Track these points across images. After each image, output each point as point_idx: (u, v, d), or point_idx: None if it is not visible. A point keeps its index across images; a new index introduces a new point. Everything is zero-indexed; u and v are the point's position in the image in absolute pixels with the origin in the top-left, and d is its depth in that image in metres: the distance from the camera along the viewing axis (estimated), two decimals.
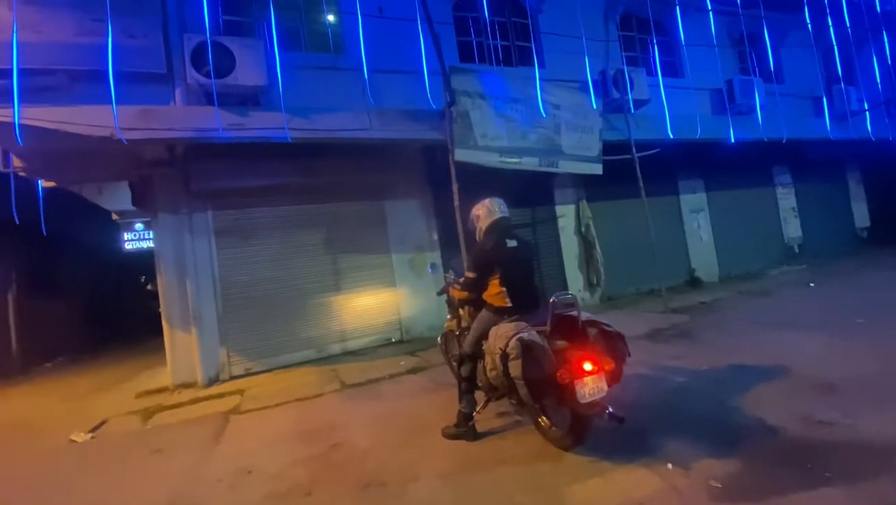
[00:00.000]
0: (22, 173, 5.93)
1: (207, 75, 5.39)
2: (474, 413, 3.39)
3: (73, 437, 4.56)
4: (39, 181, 6.81)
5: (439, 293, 4.37)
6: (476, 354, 3.45)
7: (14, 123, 4.63)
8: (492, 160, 6.36)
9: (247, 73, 5.58)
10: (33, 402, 7.43)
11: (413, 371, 5.60)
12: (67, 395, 7.35)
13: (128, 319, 16.49)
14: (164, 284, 6.42)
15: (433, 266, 4.60)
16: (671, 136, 8.45)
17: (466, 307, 3.89)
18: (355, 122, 6.07)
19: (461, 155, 6.10)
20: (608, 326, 2.96)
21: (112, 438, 4.65)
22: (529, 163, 6.70)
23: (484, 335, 3.34)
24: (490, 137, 6.41)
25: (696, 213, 10.43)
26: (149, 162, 6.20)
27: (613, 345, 2.86)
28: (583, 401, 2.63)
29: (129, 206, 7.79)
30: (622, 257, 9.17)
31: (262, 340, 6.70)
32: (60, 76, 5.21)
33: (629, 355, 2.94)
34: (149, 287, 18.39)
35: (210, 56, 5.31)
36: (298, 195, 6.93)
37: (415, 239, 7.76)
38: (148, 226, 10.14)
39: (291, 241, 6.99)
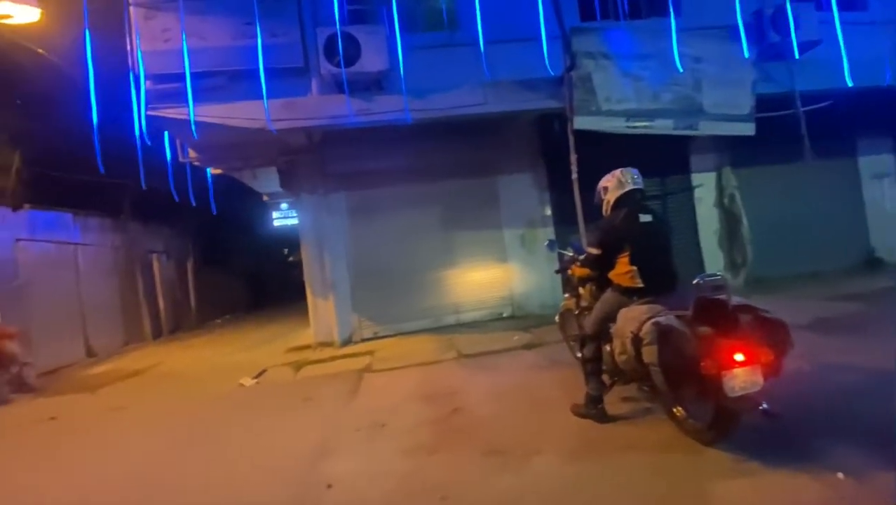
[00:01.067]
0: (196, 163, 7.17)
1: (337, 65, 5.82)
2: (603, 395, 3.27)
3: (241, 381, 5.53)
4: (208, 169, 8.17)
5: (558, 271, 4.24)
6: (599, 335, 3.31)
7: (190, 120, 5.56)
8: (617, 126, 5.88)
9: (371, 60, 5.89)
10: (210, 350, 9.18)
11: (527, 347, 5.60)
12: (235, 347, 8.92)
13: (275, 286, 19.28)
14: (307, 257, 7.31)
15: (551, 243, 4.45)
16: (849, 85, 6.86)
17: (588, 286, 3.73)
18: (470, 97, 6.08)
19: (582, 122, 5.74)
20: (766, 312, 2.58)
21: (271, 384, 5.53)
22: (662, 126, 6.04)
23: (610, 317, 3.17)
24: (615, 101, 5.91)
25: (880, 178, 8.44)
26: (293, 149, 7.00)
27: (773, 334, 2.48)
28: (731, 395, 2.36)
29: (276, 189, 8.97)
30: (776, 233, 7.86)
31: (386, 308, 7.29)
32: (221, 77, 6.08)
33: (792, 347, 2.54)
34: (290, 259, 21.24)
35: (340, 46, 5.71)
36: (416, 176, 7.25)
37: (526, 214, 7.63)
38: (291, 206, 11.55)
39: (413, 218, 7.38)
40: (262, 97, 5.72)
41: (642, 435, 3.02)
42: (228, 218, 16.56)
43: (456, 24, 6.85)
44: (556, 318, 4.61)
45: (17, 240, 8.05)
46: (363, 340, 7.14)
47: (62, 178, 9.34)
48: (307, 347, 7.34)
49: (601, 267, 3.26)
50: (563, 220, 7.48)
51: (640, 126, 5.97)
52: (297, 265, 8.94)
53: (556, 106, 6.06)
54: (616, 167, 3.44)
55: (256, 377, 5.80)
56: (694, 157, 8.01)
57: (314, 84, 6.35)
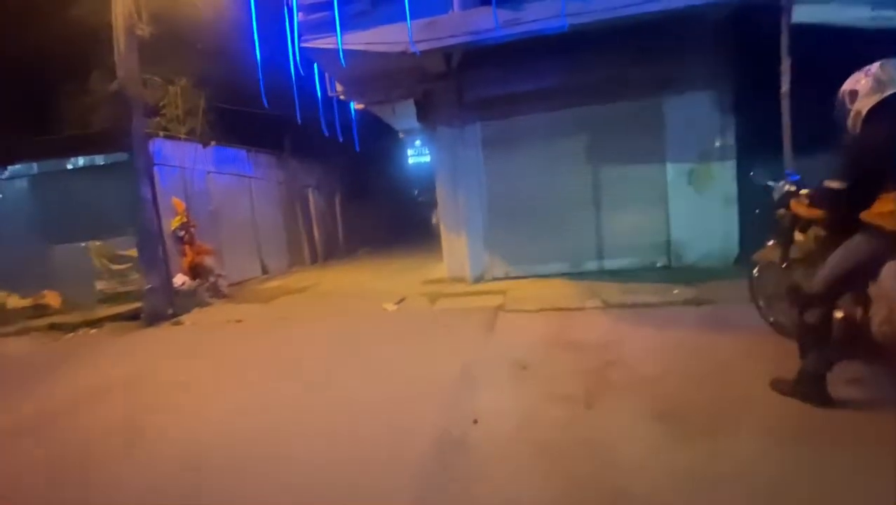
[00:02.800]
0: (342, 97, 7.35)
1: None
2: (826, 373, 2.48)
3: (385, 305, 5.81)
4: (352, 105, 8.41)
5: (776, 207, 3.27)
6: (831, 296, 2.45)
7: (338, 49, 5.56)
8: (858, 17, 4.22)
9: None
10: (356, 276, 10.02)
11: (692, 303, 4.73)
12: (377, 275, 9.58)
13: (409, 221, 20.32)
14: (441, 192, 7.20)
15: (756, 173, 3.45)
16: None
17: (811, 230, 2.78)
18: None
19: (804, 13, 4.25)
20: None
21: (411, 311, 5.71)
22: None
23: (856, 272, 2.30)
24: None
25: None
26: (430, 76, 6.71)
27: None
28: None
29: (413, 125, 8.94)
30: None
31: (521, 248, 6.90)
32: (364, 2, 5.90)
33: None
34: (420, 198, 22.12)
35: None
36: (565, 98, 6.39)
37: (700, 144, 6.27)
38: (425, 142, 11.58)
39: (554, 149, 6.65)
40: (404, 20, 5.43)
41: (880, 430, 2.20)
42: (370, 155, 17.56)
43: None
44: (754, 271, 3.68)
45: (208, 172, 9.51)
46: (494, 279, 6.95)
47: (238, 117, 10.67)
48: (440, 280, 7.45)
49: (852, 205, 2.33)
50: (753, 150, 5.97)
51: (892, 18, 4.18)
52: (427, 204, 9.02)
53: None
54: (844, 77, 2.36)
55: (398, 303, 6.05)
56: None
57: (456, 0, 5.81)
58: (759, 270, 3.66)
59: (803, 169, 3.48)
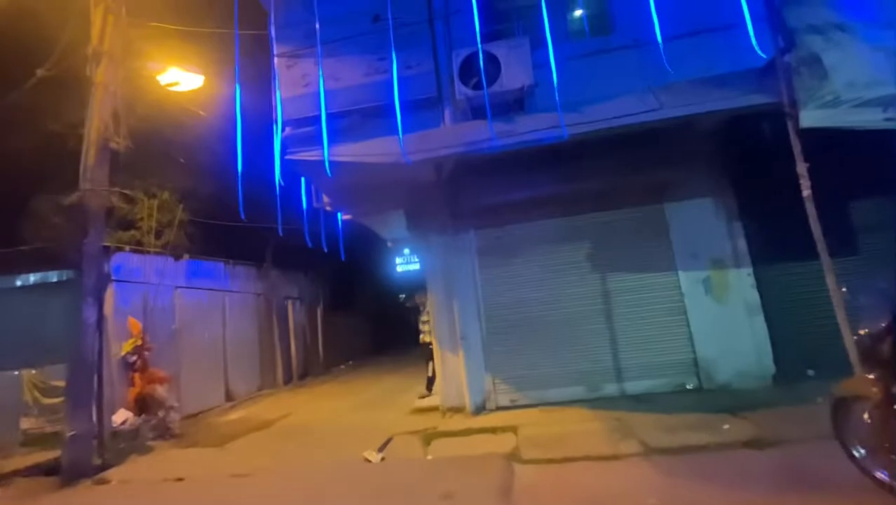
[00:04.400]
0: (328, 208, 6.96)
1: (474, 87, 5.12)
2: None
3: (366, 455, 4.65)
4: (339, 216, 8.04)
5: (861, 334, 2.60)
6: None
7: (324, 159, 5.23)
8: (871, 119, 4.06)
9: (512, 76, 5.07)
10: (336, 402, 8.75)
11: (752, 445, 3.79)
12: (360, 400, 8.36)
13: (396, 330, 19.23)
14: (434, 306, 6.48)
15: (848, 288, 2.85)
16: None
17: None
18: (638, 104, 4.83)
19: (813, 118, 4.08)
20: None
21: (399, 463, 4.55)
22: None
23: None
24: (862, 86, 4.13)
25: None
26: (421, 186, 6.42)
27: None
28: None
29: (401, 234, 8.55)
30: None
31: (527, 370, 6.00)
32: (355, 116, 5.77)
33: None
34: (407, 303, 21.38)
35: (480, 62, 5.02)
36: (563, 206, 6.09)
37: (709, 250, 5.85)
38: (414, 250, 11.19)
39: (555, 257, 6.16)
40: (394, 132, 5.23)
41: None
42: (356, 264, 17.16)
43: (608, 29, 5.79)
44: (830, 405, 2.90)
45: (176, 287, 8.70)
46: (498, 409, 5.90)
47: (217, 229, 10.23)
48: (434, 409, 6.35)
49: None
50: (769, 256, 5.58)
51: None
52: (413, 309, 8.27)
53: (764, 101, 4.48)
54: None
55: (382, 449, 4.90)
56: None
57: (447, 114, 5.71)
58: (841, 406, 2.86)
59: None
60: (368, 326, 19.50)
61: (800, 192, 4.20)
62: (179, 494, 4.34)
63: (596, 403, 5.56)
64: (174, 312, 8.56)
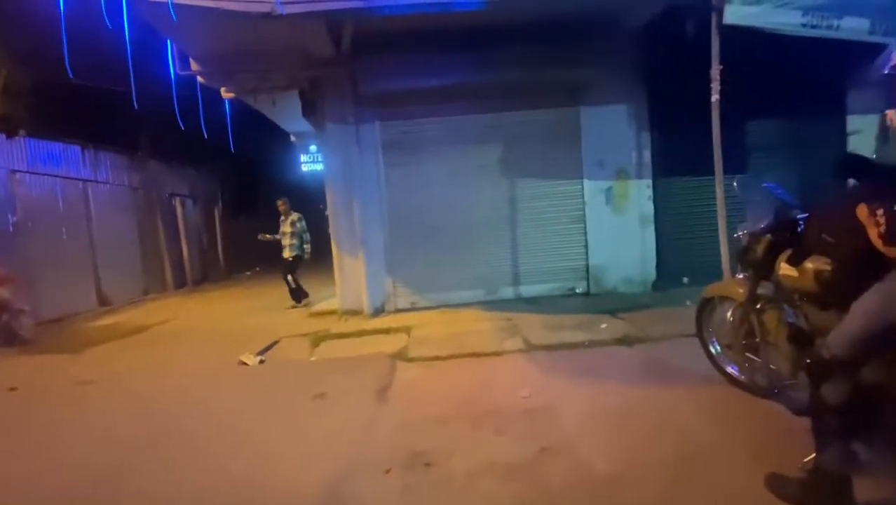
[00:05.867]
0: (201, 79, 5.73)
1: None
2: (851, 474, 1.70)
3: (242, 358, 4.29)
4: (226, 100, 6.77)
5: (740, 235, 2.55)
6: (859, 361, 1.69)
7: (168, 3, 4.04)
8: (791, 22, 3.90)
9: None
10: (228, 305, 8.17)
11: (624, 341, 4.00)
12: (256, 304, 7.85)
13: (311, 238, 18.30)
14: (332, 205, 5.89)
15: (739, 183, 2.73)
16: None
17: (811, 262, 2.04)
18: None
19: (736, 15, 3.81)
20: None
21: (278, 365, 4.27)
22: (853, 29, 3.99)
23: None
24: None
25: None
26: (317, 62, 5.44)
27: None
28: None
29: (304, 127, 7.52)
30: None
31: (428, 273, 5.83)
32: None
33: None
34: (326, 211, 20.32)
35: None
36: (477, 101, 5.55)
37: (616, 160, 5.81)
38: (319, 148, 10.11)
39: (465, 159, 5.76)
40: None
41: None
42: (259, 163, 15.43)
43: None
44: (698, 304, 3.02)
45: (13, 171, 7.05)
46: (398, 311, 5.77)
47: (71, 106, 8.28)
48: (332, 312, 6.08)
49: None
50: (671, 168, 5.66)
51: (822, 26, 3.94)
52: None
53: None
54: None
55: (263, 353, 4.56)
56: (852, 93, 5.84)
57: None
58: (708, 305, 2.99)
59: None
60: (277, 231, 18.31)
61: (709, 106, 4.07)
62: (8, 404, 3.70)
63: (492, 305, 5.63)
64: (13, 202, 7.02)
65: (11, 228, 6.89)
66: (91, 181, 8.67)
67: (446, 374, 3.63)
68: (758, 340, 2.54)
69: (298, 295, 7.17)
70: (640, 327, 4.32)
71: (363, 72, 5.24)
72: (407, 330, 4.87)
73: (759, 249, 2.39)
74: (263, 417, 3.09)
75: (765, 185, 2.44)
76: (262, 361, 4.31)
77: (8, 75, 7.24)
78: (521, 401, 3.01)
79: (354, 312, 5.81)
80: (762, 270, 2.38)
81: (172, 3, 3.83)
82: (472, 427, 2.72)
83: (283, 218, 7.20)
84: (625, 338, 4.05)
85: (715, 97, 3.95)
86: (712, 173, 4.18)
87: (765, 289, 2.50)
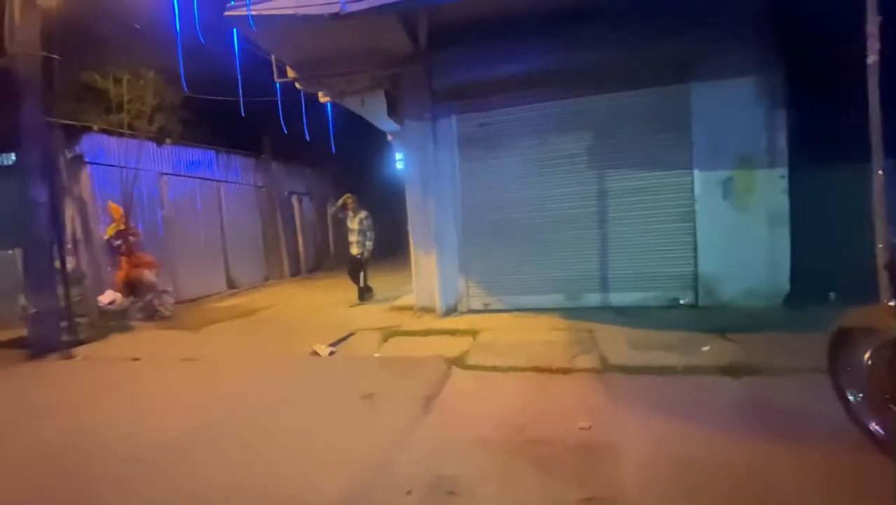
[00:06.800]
0: (298, 85, 6.12)
1: None
2: None
3: (315, 348, 4.47)
4: (329, 105, 7.23)
5: None
6: None
7: (247, 15, 4.32)
8: None
9: None
10: (328, 295, 8.71)
11: (729, 371, 3.22)
12: (346, 298, 8.25)
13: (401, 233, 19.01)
14: (410, 201, 5.87)
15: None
16: None
17: None
18: None
19: None
20: None
21: (345, 359, 4.35)
22: None
23: None
24: None
25: None
26: (397, 59, 5.43)
27: None
28: None
29: (396, 128, 7.68)
30: None
31: (504, 274, 5.50)
32: None
33: None
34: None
35: None
36: (561, 85, 5.04)
37: (738, 145, 4.78)
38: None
39: (546, 151, 5.28)
40: None
41: None
42: (363, 161, 16.43)
43: None
44: (832, 331, 2.26)
45: (162, 174, 8.43)
46: (470, 312, 5.55)
47: (210, 117, 9.63)
48: (410, 308, 6.10)
49: None
50: (813, 153, 4.48)
51: None
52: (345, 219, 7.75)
53: None
54: None
55: (336, 344, 4.71)
56: None
57: None
58: (853, 340, 2.20)
59: None
60: (383, 225, 19.31)
61: (865, 72, 3.03)
62: (127, 372, 4.38)
63: (573, 312, 5.08)
64: (162, 200, 8.40)
65: (159, 222, 8.25)
66: (223, 181, 10.01)
67: (501, 387, 3.30)
68: None
69: (363, 294, 7.25)
70: (755, 354, 3.47)
71: (438, 65, 5.10)
72: (474, 333, 4.62)
73: None
74: (309, 411, 3.13)
75: None
76: (332, 353, 4.45)
77: (163, 94, 8.64)
78: (578, 433, 2.57)
79: (428, 310, 5.73)
80: None
81: (253, 16, 4.08)
82: (512, 456, 2.39)
83: (350, 215, 7.22)
84: (731, 366, 3.27)
85: (872, 58, 2.92)
86: (869, 158, 3.13)
87: None
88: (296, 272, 12.50)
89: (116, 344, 5.52)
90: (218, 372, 4.17)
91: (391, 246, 18.56)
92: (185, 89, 5.33)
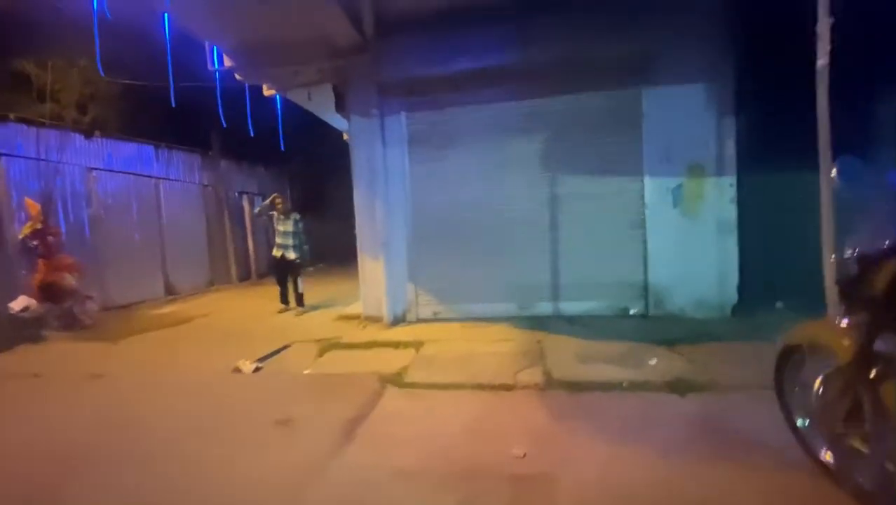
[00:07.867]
0: (237, 76, 5.67)
1: None
2: None
3: (239, 365, 4.03)
4: (278, 98, 6.79)
5: (847, 255, 1.64)
6: None
7: None
8: None
9: None
10: (270, 304, 8.18)
11: (675, 387, 3.06)
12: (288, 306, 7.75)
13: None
14: (357, 203, 5.53)
15: (844, 162, 1.75)
16: None
17: None
18: None
19: None
20: None
21: (270, 376, 3.93)
22: None
23: None
24: None
25: None
26: (342, 52, 5.09)
27: None
28: None
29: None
30: None
31: (454, 281, 5.24)
32: None
33: None
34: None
35: None
36: (515, 85, 4.84)
37: (689, 152, 4.72)
38: None
39: (498, 153, 5.07)
40: None
41: None
42: (325, 164, 15.90)
43: None
44: (779, 348, 2.08)
45: (90, 169, 7.70)
46: (419, 321, 5.26)
47: (151, 109, 8.93)
48: (356, 316, 5.72)
49: None
50: (760, 162, 4.46)
51: None
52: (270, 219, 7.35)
53: None
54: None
55: (265, 359, 4.29)
56: None
57: None
58: (801, 358, 2.03)
59: None
60: (341, 229, 18.76)
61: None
62: (23, 391, 3.79)
63: (525, 322, 4.87)
64: (89, 197, 7.66)
65: (86, 221, 7.51)
66: (163, 179, 9.29)
67: (437, 408, 3.01)
68: (867, 423, 1.60)
69: (286, 298, 6.86)
70: (702, 368, 3.33)
71: (386, 58, 4.80)
72: (418, 345, 4.31)
73: (880, 282, 1.47)
74: (214, 439, 2.72)
75: (892, 175, 1.50)
76: (257, 369, 4.03)
77: (97, 84, 7.93)
78: (512, 461, 2.31)
79: (375, 319, 5.39)
80: (883, 314, 1.46)
81: None
82: (435, 491, 2.10)
83: (280, 217, 6.70)
84: (677, 382, 3.10)
85: (822, 61, 2.85)
86: (818, 167, 3.06)
87: (885, 344, 1.55)
88: (245, 277, 11.81)
89: (21, 357, 4.89)
90: (122, 392, 3.66)
91: (351, 250, 17.89)
92: (101, 73, 4.76)
